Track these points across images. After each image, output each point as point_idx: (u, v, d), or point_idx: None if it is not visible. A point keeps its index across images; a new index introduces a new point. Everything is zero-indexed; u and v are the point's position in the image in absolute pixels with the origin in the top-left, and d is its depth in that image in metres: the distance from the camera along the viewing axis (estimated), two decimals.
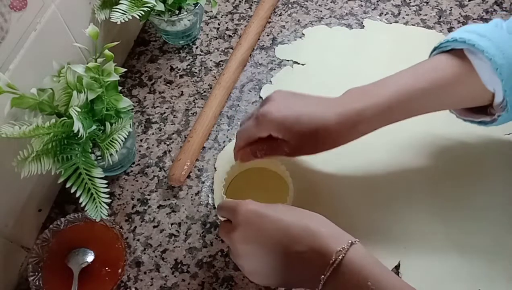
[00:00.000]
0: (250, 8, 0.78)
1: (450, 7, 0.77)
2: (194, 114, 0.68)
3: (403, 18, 0.76)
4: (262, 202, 0.48)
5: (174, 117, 0.68)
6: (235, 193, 0.58)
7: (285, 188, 0.57)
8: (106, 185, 0.50)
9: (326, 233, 0.43)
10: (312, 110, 0.49)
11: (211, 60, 0.73)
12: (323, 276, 0.41)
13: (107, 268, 0.55)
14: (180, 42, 0.74)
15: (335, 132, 0.49)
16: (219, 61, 0.73)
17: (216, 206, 0.54)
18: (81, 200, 0.49)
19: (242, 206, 0.46)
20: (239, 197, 0.51)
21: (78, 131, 0.47)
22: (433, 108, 0.51)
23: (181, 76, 0.72)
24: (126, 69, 0.56)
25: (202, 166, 0.64)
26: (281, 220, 0.45)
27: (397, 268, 0.56)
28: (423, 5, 0.77)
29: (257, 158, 0.53)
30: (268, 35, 0.76)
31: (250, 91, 0.70)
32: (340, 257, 0.41)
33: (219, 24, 0.77)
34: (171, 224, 0.60)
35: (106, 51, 0.52)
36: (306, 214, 0.46)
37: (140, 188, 0.63)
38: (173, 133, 0.67)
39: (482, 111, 0.53)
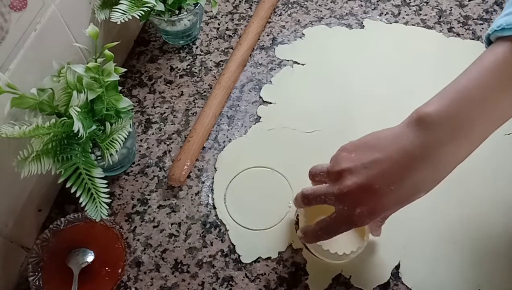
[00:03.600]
0: (250, 8, 0.78)
1: (450, 7, 0.77)
2: (194, 114, 0.68)
3: (403, 18, 0.76)
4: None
5: (174, 117, 0.68)
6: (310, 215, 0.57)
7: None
8: (106, 185, 0.50)
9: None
10: (398, 171, 0.43)
11: (211, 60, 0.73)
12: None
13: (107, 268, 0.55)
14: (180, 42, 0.74)
15: (420, 172, 0.43)
16: (219, 61, 0.73)
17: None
18: (81, 200, 0.49)
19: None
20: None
21: (78, 131, 0.47)
22: None
23: (181, 76, 0.72)
24: (126, 69, 0.56)
25: (202, 166, 0.64)
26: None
27: (397, 268, 0.56)
28: (423, 5, 0.77)
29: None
30: (268, 35, 0.76)
31: (250, 91, 0.70)
32: None
33: (219, 24, 0.77)
34: (171, 224, 0.60)
35: (106, 51, 0.52)
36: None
37: (140, 188, 0.63)
38: (173, 133, 0.67)
39: None
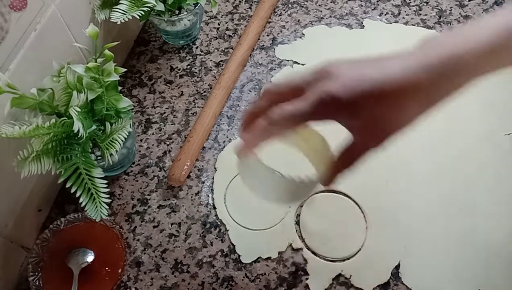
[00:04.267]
0: (250, 8, 0.78)
1: (450, 7, 0.77)
2: (194, 114, 0.68)
3: (403, 18, 0.76)
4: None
5: (174, 117, 0.68)
6: None
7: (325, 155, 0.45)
8: (106, 185, 0.50)
9: None
10: (391, 71, 0.36)
11: (211, 60, 0.73)
12: None
13: (107, 268, 0.55)
14: (180, 42, 0.74)
15: (426, 91, 0.37)
16: (219, 61, 0.73)
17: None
18: (81, 200, 0.49)
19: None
20: None
21: (78, 131, 0.47)
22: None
23: (181, 76, 0.72)
24: (126, 69, 0.56)
25: (202, 166, 0.64)
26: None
27: (397, 268, 0.56)
28: (423, 5, 0.77)
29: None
30: (268, 35, 0.76)
31: (250, 91, 0.70)
32: None
33: (219, 24, 0.77)
34: (171, 224, 0.60)
35: (106, 51, 0.52)
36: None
37: (140, 188, 0.63)
38: (173, 133, 0.67)
39: None
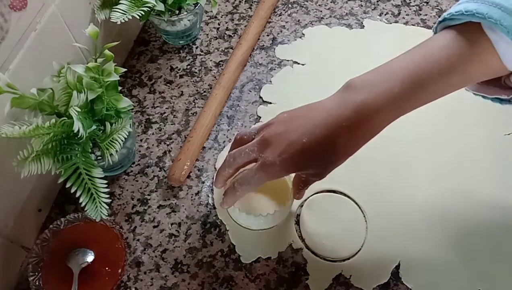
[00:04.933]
0: (250, 8, 0.78)
1: (450, 7, 0.77)
2: (194, 114, 0.68)
3: (403, 18, 0.76)
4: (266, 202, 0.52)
5: (174, 117, 0.68)
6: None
7: (287, 188, 0.57)
8: (106, 185, 0.50)
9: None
10: (315, 129, 0.45)
11: (211, 60, 0.73)
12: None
13: (107, 268, 0.55)
14: (180, 42, 0.74)
15: (348, 135, 0.44)
16: (219, 61, 0.73)
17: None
18: (81, 200, 0.49)
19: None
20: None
21: (78, 131, 0.47)
22: (447, 91, 0.45)
23: (181, 76, 0.72)
24: (126, 69, 0.56)
25: (202, 166, 0.64)
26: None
27: (397, 268, 0.56)
28: (423, 5, 0.77)
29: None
30: (268, 35, 0.76)
31: (250, 91, 0.70)
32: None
33: (219, 24, 0.77)
34: (171, 224, 0.60)
35: (106, 51, 0.52)
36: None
37: (140, 188, 0.63)
38: (173, 133, 0.67)
39: (496, 83, 0.47)
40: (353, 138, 0.44)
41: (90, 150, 0.52)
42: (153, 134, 0.67)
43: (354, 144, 0.45)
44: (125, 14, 0.58)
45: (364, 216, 0.59)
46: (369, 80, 0.45)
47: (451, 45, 0.43)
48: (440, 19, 0.46)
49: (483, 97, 0.50)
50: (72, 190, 0.49)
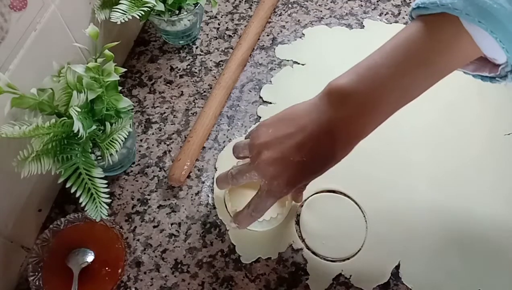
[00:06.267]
0: (250, 8, 0.78)
1: None
2: (194, 114, 0.68)
3: (403, 18, 0.76)
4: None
5: (174, 117, 0.68)
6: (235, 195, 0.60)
7: None
8: (106, 185, 0.50)
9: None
10: (304, 133, 0.45)
11: (211, 60, 0.73)
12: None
13: (107, 268, 0.55)
14: (180, 42, 0.74)
15: (338, 136, 0.45)
16: (219, 61, 0.73)
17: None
18: (81, 200, 0.49)
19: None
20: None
21: (78, 131, 0.47)
22: (430, 84, 0.44)
23: (181, 76, 0.72)
24: (126, 69, 0.56)
25: (202, 166, 0.64)
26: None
27: (397, 268, 0.56)
28: None
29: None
30: (268, 35, 0.76)
31: (250, 91, 0.70)
32: None
33: (219, 24, 0.77)
34: (171, 224, 0.60)
35: (106, 51, 0.52)
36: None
37: (140, 188, 0.63)
38: (173, 133, 0.67)
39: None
40: (342, 147, 0.45)
41: (90, 150, 0.52)
42: (153, 134, 0.67)
43: (344, 151, 0.46)
44: (125, 14, 0.58)
45: (364, 216, 0.59)
46: (352, 87, 0.45)
47: (425, 36, 0.42)
48: (413, 5, 0.44)
49: (464, 72, 0.48)
50: (72, 190, 0.49)
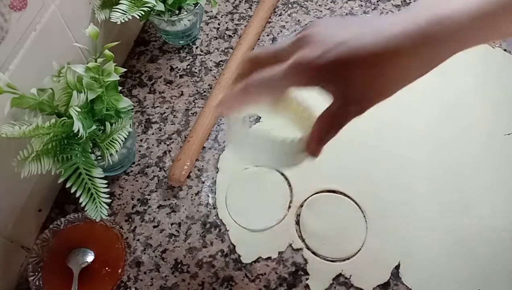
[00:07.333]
0: (250, 8, 0.78)
1: None
2: (194, 114, 0.68)
3: None
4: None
5: (174, 117, 0.68)
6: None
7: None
8: (106, 185, 0.50)
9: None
10: (370, 37, 0.34)
11: (211, 60, 0.73)
12: None
13: (107, 268, 0.55)
14: (180, 42, 0.74)
15: (407, 59, 0.35)
16: (219, 61, 0.73)
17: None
18: (81, 200, 0.49)
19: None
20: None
21: (78, 131, 0.47)
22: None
23: (181, 76, 0.72)
24: (126, 69, 0.56)
25: (202, 166, 0.64)
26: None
27: (397, 268, 0.56)
28: None
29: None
30: (268, 35, 0.76)
31: None
32: None
33: (219, 24, 0.77)
34: (171, 224, 0.60)
35: (106, 51, 0.52)
36: None
37: (140, 188, 0.63)
38: (173, 133, 0.67)
39: None
40: (413, 63, 0.35)
41: (90, 150, 0.52)
42: (153, 134, 0.67)
43: (408, 72, 0.36)
44: (125, 14, 0.58)
45: (364, 216, 0.59)
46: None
47: None
48: None
49: None
50: (72, 190, 0.49)
